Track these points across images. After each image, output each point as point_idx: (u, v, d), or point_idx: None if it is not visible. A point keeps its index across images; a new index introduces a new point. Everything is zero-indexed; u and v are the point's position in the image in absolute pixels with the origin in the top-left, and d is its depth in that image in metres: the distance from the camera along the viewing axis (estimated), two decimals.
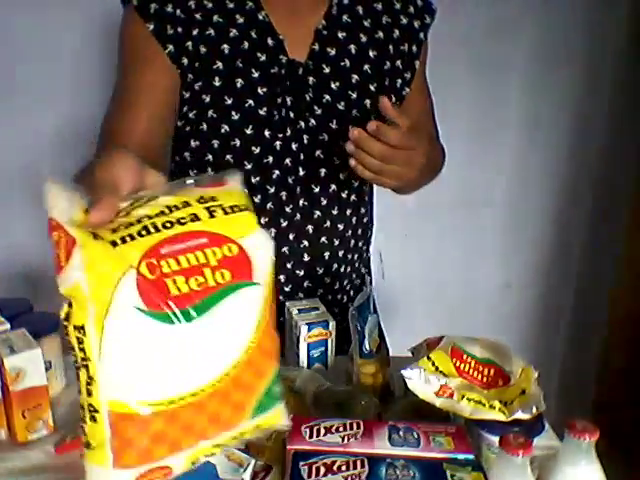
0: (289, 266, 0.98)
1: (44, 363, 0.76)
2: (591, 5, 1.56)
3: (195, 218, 0.48)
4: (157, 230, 0.46)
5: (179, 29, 0.85)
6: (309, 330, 0.87)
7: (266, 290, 0.53)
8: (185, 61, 0.87)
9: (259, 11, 0.88)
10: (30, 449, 0.74)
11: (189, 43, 0.86)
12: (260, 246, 0.52)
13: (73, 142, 1.42)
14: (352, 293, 1.07)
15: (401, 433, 0.65)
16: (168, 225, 0.46)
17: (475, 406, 0.68)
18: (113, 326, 0.44)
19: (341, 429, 0.65)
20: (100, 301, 0.44)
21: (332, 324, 0.88)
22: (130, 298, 0.44)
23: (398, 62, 0.97)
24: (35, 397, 0.75)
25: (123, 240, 0.45)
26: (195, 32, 0.86)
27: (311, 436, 0.64)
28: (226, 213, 0.50)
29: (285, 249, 0.97)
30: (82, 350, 0.45)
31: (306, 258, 0.98)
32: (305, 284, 1.00)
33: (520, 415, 0.66)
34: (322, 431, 0.65)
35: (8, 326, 0.80)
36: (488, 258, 1.74)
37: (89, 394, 0.45)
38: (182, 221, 0.47)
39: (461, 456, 0.62)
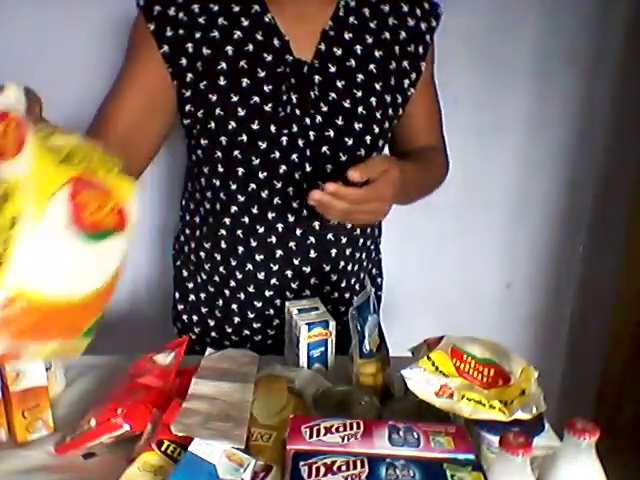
0: (296, 262, 0.99)
1: (44, 363, 0.76)
2: (591, 5, 1.56)
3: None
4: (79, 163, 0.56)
5: (180, 31, 0.89)
6: (309, 330, 0.87)
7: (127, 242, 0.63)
8: (184, 61, 0.90)
9: (265, 14, 0.91)
10: (30, 449, 0.74)
11: (189, 45, 0.89)
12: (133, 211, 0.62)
13: None
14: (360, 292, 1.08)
15: (401, 433, 0.65)
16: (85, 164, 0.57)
17: (475, 406, 0.68)
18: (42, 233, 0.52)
19: (341, 429, 0.65)
20: (37, 206, 0.51)
21: (332, 324, 0.88)
22: (60, 214, 0.53)
23: (405, 62, 0.98)
24: (35, 397, 0.75)
25: (63, 161, 0.54)
26: (198, 35, 0.90)
27: (311, 436, 0.64)
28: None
29: (292, 244, 0.97)
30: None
31: (313, 254, 0.99)
32: (312, 281, 1.01)
33: (520, 415, 0.66)
34: (322, 431, 0.65)
35: None
36: (488, 258, 1.74)
37: None
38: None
39: (461, 456, 0.62)
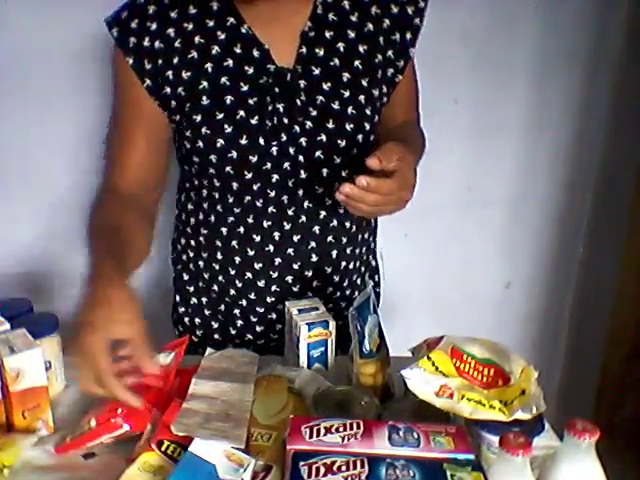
0: (296, 267, 0.98)
1: (44, 363, 0.76)
2: (591, 5, 1.56)
3: None
4: None
5: (159, 61, 0.89)
6: (309, 330, 0.87)
7: None
8: (168, 90, 0.90)
9: (241, 25, 0.89)
10: (30, 449, 0.74)
11: (169, 72, 0.89)
12: None
13: (76, 143, 1.42)
14: (362, 287, 1.08)
15: (401, 433, 0.65)
16: None
17: (475, 406, 0.68)
18: None
19: (341, 429, 0.65)
20: None
21: (332, 324, 0.88)
22: None
23: (389, 52, 0.95)
24: (35, 397, 0.75)
25: None
26: (176, 60, 0.89)
27: (311, 436, 0.64)
28: None
29: (290, 251, 0.97)
30: None
31: (314, 258, 0.98)
32: (314, 284, 1.01)
33: (520, 415, 0.66)
34: (322, 431, 0.65)
35: (8, 326, 0.80)
36: (488, 258, 1.74)
37: None
38: None
39: (461, 456, 0.62)
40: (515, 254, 1.77)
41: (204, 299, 1.06)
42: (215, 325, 1.07)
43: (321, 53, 0.91)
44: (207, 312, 1.07)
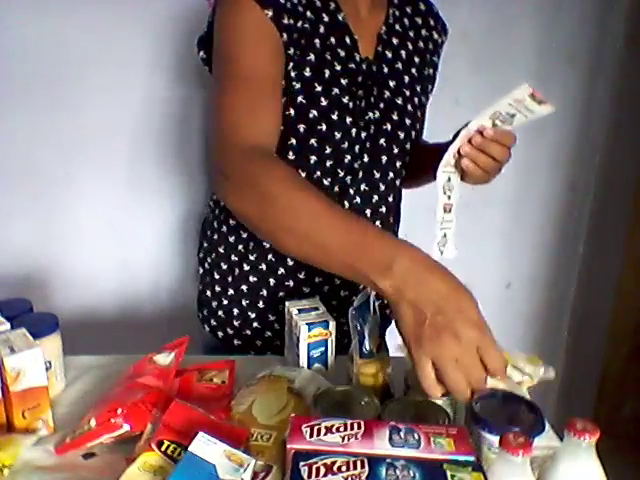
0: None
1: (44, 363, 0.76)
2: (591, 5, 1.56)
3: None
4: None
5: (291, 20, 0.89)
6: (309, 330, 0.87)
7: None
8: (291, 51, 0.91)
9: (339, 12, 0.96)
10: (30, 449, 0.74)
11: (295, 34, 0.91)
12: None
13: (76, 143, 1.42)
14: None
15: (402, 434, 0.65)
16: None
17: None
18: None
19: (342, 429, 0.65)
20: None
21: (332, 324, 0.88)
22: None
23: (431, 70, 1.09)
24: (35, 397, 0.75)
25: None
26: (299, 24, 0.91)
27: (312, 435, 0.64)
28: None
29: None
30: None
31: None
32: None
33: (544, 374, 0.67)
34: (322, 430, 0.65)
35: (8, 326, 0.80)
36: (488, 258, 1.74)
37: None
38: None
39: (462, 458, 0.62)
40: (515, 254, 1.77)
41: (244, 286, 1.05)
42: (252, 315, 1.06)
43: (390, 55, 1.01)
44: (245, 302, 1.06)
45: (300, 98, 0.92)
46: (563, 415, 1.83)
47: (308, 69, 0.92)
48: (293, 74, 0.92)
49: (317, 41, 0.93)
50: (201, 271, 1.14)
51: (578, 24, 1.56)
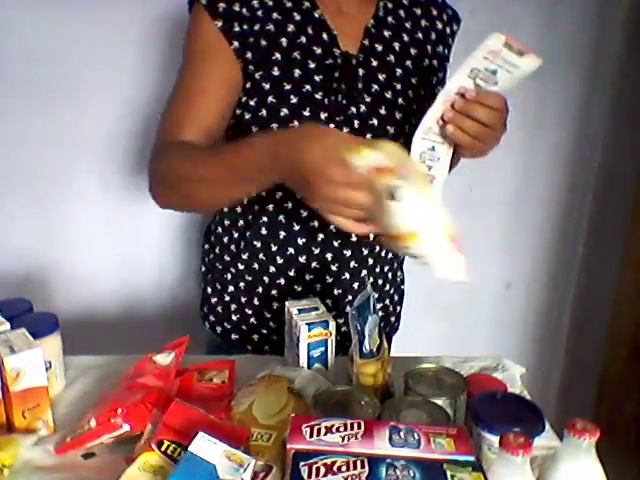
0: (336, 244, 1.01)
1: (44, 363, 0.76)
2: (591, 5, 1.56)
3: None
4: None
5: (244, 26, 0.92)
6: (309, 330, 0.87)
7: None
8: (249, 55, 0.92)
9: (314, 10, 0.96)
10: (30, 449, 0.74)
11: (251, 38, 0.92)
12: None
13: (76, 144, 1.42)
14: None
15: (402, 434, 0.65)
16: None
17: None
18: None
19: (342, 429, 0.65)
20: None
21: (332, 324, 0.88)
22: None
23: (434, 61, 1.05)
24: (35, 397, 0.75)
25: None
26: (257, 27, 0.92)
27: (312, 435, 0.64)
28: None
29: (332, 226, 0.97)
30: None
31: (354, 237, 1.01)
32: (351, 264, 1.03)
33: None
34: (322, 430, 0.65)
35: (8, 326, 0.80)
36: (488, 258, 1.74)
37: None
38: None
39: (462, 458, 0.62)
40: (515, 254, 1.77)
41: (241, 284, 1.06)
42: (249, 311, 1.07)
43: (379, 48, 0.99)
44: (243, 299, 1.07)
45: (270, 98, 0.93)
46: (563, 415, 1.83)
47: (276, 68, 0.92)
48: (257, 75, 0.92)
49: (284, 40, 0.93)
50: (203, 269, 1.16)
51: (578, 24, 1.56)
